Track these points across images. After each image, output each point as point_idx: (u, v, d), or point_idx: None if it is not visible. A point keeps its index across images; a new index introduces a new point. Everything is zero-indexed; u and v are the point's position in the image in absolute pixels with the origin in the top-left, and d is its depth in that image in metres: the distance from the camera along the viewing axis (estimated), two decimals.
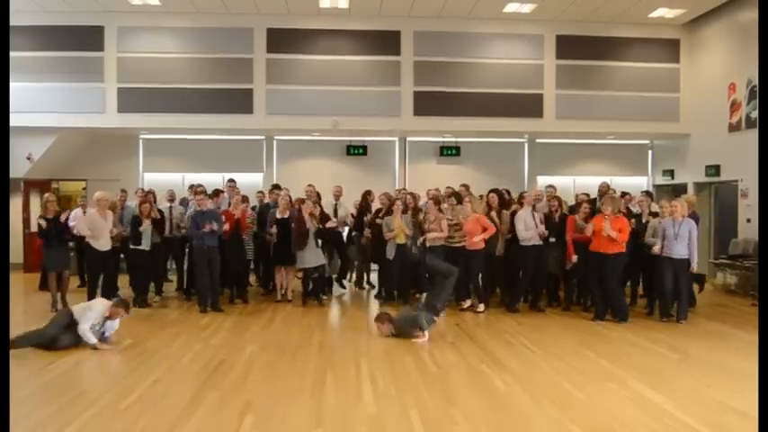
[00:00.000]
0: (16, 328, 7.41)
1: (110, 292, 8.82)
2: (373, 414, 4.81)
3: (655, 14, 12.83)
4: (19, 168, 12.73)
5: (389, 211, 9.70)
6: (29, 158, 12.94)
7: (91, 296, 8.53)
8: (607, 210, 8.37)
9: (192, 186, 10.64)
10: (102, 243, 8.85)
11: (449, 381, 5.69)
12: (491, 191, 9.81)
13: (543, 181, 14.16)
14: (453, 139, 14.66)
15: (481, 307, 9.00)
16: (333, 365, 6.15)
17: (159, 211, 9.65)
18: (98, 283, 8.94)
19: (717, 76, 12.62)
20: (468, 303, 9.15)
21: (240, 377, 5.74)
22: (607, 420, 4.69)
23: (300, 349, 6.80)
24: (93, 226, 8.81)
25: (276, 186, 10.87)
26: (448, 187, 10.75)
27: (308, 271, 9.47)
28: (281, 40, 13.06)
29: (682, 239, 8.25)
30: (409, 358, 6.43)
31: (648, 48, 13.56)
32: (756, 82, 11.29)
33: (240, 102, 13.02)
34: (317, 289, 9.61)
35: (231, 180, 10.94)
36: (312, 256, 9.30)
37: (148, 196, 9.80)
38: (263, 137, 14.48)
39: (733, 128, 12.07)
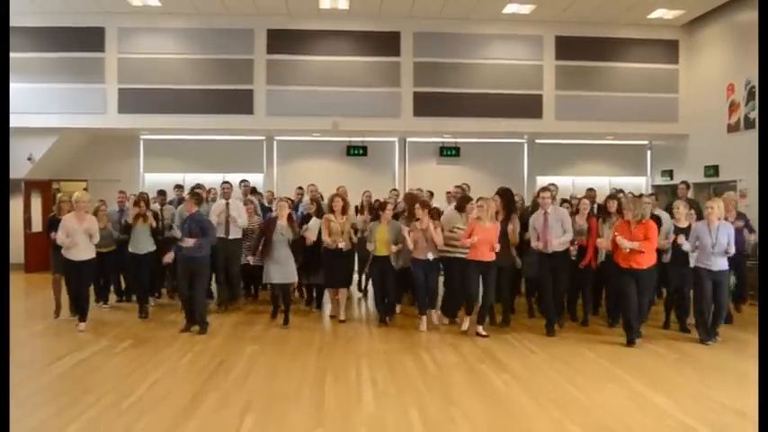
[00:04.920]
0: (17, 329, 7.45)
1: (85, 304, 7.84)
2: (373, 414, 4.83)
3: (654, 15, 12.85)
4: (20, 169, 12.74)
5: (376, 216, 8.37)
6: (30, 159, 12.96)
7: (78, 308, 7.88)
8: (628, 215, 7.08)
9: (197, 186, 9.78)
10: (77, 252, 7.63)
11: (449, 381, 5.71)
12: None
13: (542, 182, 14.20)
14: (453, 140, 14.68)
15: (483, 331, 7.54)
16: (333, 366, 6.16)
17: (154, 213, 9.00)
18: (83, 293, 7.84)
19: (715, 76, 12.65)
20: (466, 324, 7.70)
21: (240, 377, 5.76)
22: (607, 420, 4.70)
23: (300, 350, 6.81)
24: (69, 233, 7.55)
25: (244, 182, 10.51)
26: (457, 186, 9.91)
27: (274, 287, 8.25)
28: (281, 40, 13.08)
29: (720, 248, 7.05)
30: (409, 359, 6.44)
31: (647, 49, 13.59)
32: (755, 83, 11.32)
33: (240, 102, 13.05)
34: (286, 308, 8.07)
35: (226, 182, 9.70)
36: (279, 271, 7.88)
37: (142, 197, 8.93)
38: (263, 137, 14.50)
39: (731, 128, 12.09)
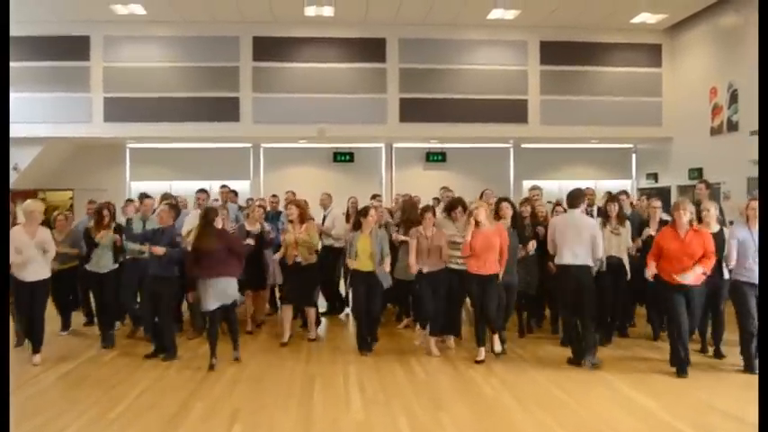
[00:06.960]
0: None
1: (39, 333, 6.62)
2: (362, 421, 4.84)
3: (637, 20, 13.00)
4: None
5: (357, 225, 7.10)
6: (15, 169, 12.88)
7: (32, 337, 6.64)
8: (684, 217, 5.84)
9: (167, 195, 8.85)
10: (30, 271, 6.41)
11: (438, 387, 5.72)
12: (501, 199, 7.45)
13: (529, 186, 14.29)
14: (439, 145, 14.75)
15: (498, 346, 6.78)
16: (321, 374, 6.15)
17: (118, 225, 7.65)
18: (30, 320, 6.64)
19: (698, 80, 12.81)
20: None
21: (228, 386, 5.74)
22: (594, 423, 4.73)
23: (288, 358, 6.79)
24: (18, 248, 6.31)
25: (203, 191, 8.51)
26: (444, 188, 9.13)
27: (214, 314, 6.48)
28: (266, 48, 13.11)
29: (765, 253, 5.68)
30: (398, 365, 6.43)
31: (631, 53, 13.75)
32: (737, 86, 11.47)
33: (227, 110, 13.05)
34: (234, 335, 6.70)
35: (202, 190, 8.52)
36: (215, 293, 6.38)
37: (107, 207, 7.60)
38: (249, 145, 14.52)
39: (715, 131, 12.25)
